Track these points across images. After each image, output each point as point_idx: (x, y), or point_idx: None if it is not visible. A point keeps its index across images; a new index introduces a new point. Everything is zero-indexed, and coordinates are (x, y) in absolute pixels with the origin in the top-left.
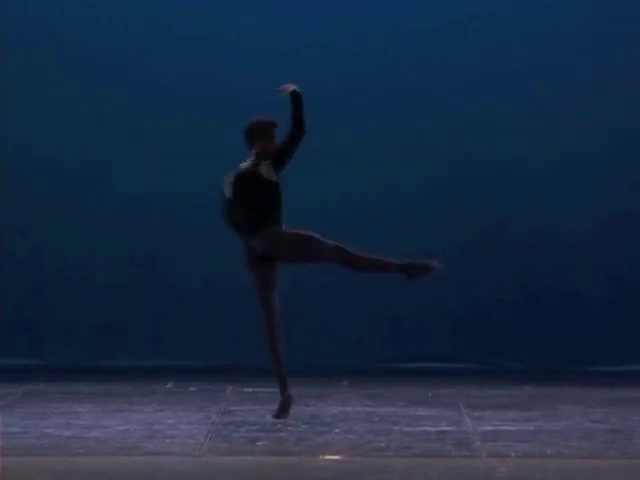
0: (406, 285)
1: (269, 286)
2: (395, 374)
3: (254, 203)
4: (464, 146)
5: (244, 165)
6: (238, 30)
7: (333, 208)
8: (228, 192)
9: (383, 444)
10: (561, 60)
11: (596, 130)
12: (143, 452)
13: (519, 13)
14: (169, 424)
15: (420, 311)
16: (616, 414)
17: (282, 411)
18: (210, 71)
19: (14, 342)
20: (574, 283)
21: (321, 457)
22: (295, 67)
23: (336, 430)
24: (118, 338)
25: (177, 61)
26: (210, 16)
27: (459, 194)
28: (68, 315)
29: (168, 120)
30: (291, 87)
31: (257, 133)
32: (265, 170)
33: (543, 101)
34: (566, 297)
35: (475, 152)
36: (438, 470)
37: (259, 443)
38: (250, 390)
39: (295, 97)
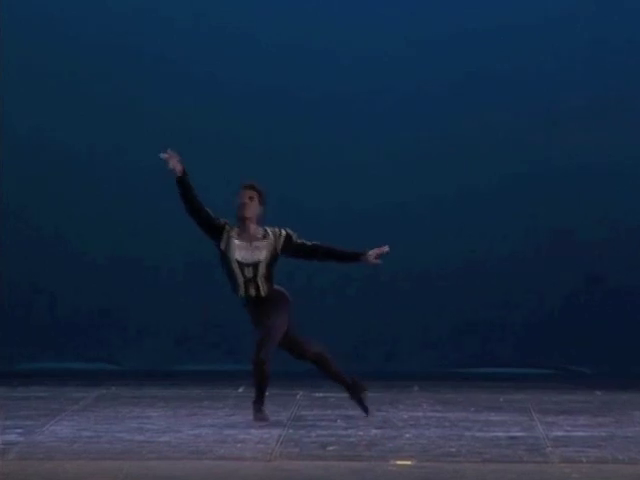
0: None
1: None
2: (466, 379)
3: None
4: (538, 146)
5: None
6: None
7: (414, 207)
8: None
9: (454, 449)
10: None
11: None
12: (214, 456)
13: (605, 14)
14: (240, 428)
15: (491, 316)
16: None
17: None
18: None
19: (88, 347)
20: None
21: (392, 462)
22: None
23: (407, 435)
24: (190, 343)
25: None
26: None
27: (528, 196)
28: (141, 320)
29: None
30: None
31: None
32: (239, 238)
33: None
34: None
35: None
36: (510, 476)
37: (330, 448)
38: (321, 395)
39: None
